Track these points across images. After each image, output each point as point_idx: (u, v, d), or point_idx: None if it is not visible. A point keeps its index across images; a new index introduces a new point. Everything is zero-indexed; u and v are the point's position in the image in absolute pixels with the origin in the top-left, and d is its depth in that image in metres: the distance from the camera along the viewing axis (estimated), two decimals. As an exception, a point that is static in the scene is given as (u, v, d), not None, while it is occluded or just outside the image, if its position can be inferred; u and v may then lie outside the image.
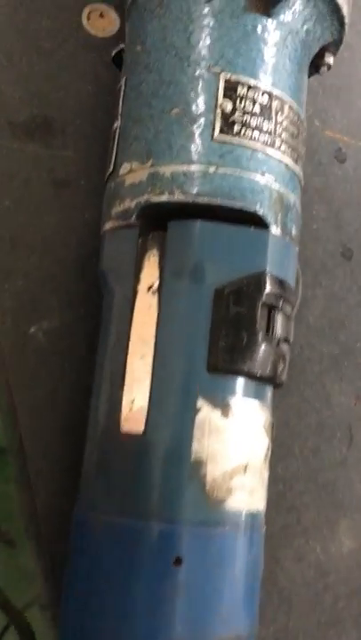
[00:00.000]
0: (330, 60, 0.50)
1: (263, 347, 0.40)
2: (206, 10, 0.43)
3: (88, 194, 0.50)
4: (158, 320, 0.40)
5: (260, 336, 0.40)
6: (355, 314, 0.58)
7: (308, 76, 0.52)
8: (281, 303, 0.41)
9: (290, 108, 0.44)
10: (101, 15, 0.54)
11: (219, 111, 0.41)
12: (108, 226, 0.44)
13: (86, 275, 0.49)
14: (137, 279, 0.41)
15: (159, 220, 0.42)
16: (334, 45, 0.49)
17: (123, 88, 0.45)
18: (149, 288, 0.41)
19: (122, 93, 0.45)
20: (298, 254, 0.45)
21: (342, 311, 0.57)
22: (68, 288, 0.49)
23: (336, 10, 0.45)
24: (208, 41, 0.42)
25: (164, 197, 0.41)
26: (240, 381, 0.40)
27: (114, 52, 0.48)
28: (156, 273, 0.41)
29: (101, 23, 0.54)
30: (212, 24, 0.42)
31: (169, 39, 0.42)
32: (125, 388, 0.40)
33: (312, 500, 0.53)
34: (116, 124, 0.45)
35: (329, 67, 0.51)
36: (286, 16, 0.44)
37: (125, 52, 0.47)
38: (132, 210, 0.42)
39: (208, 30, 0.42)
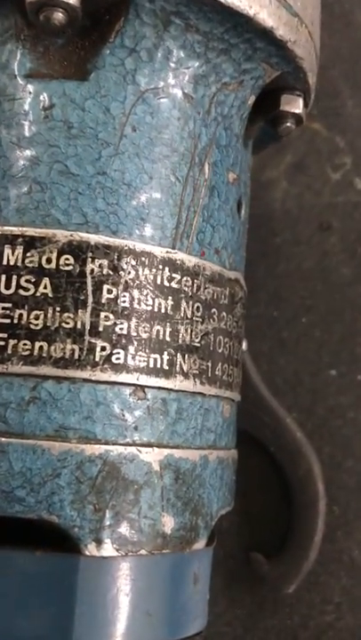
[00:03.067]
0: (294, 107, 0.25)
1: None
2: None
3: None
4: None
5: None
6: None
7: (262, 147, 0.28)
8: None
9: (142, 259, 0.21)
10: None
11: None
12: None
13: None
14: None
15: None
16: (293, 81, 0.24)
17: None
18: None
19: None
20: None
21: None
22: None
23: (250, 23, 0.21)
24: None
25: None
26: None
27: None
28: None
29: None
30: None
31: None
32: None
33: None
34: None
35: (299, 120, 0.26)
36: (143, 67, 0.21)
37: None
38: None
39: None
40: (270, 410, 0.31)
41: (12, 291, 0.20)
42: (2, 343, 0.20)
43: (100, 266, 0.20)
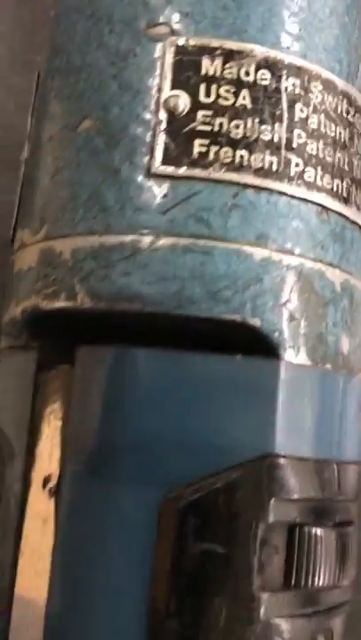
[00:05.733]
0: None
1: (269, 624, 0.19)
2: None
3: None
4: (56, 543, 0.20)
5: (265, 600, 0.18)
6: None
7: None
8: (314, 517, 0.19)
9: (327, 86, 0.21)
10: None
11: (162, 116, 0.20)
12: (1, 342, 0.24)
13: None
14: (30, 458, 0.21)
15: (75, 339, 0.21)
16: None
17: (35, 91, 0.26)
18: (46, 482, 0.21)
19: (33, 100, 0.26)
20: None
21: None
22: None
23: None
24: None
25: (60, 302, 0.21)
26: None
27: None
28: (57, 453, 0.21)
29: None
30: None
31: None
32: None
33: None
34: (24, 153, 0.26)
35: None
36: None
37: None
38: (19, 321, 0.22)
39: None
40: None
41: (211, 99, 0.20)
42: (203, 149, 0.20)
43: (294, 85, 0.21)
